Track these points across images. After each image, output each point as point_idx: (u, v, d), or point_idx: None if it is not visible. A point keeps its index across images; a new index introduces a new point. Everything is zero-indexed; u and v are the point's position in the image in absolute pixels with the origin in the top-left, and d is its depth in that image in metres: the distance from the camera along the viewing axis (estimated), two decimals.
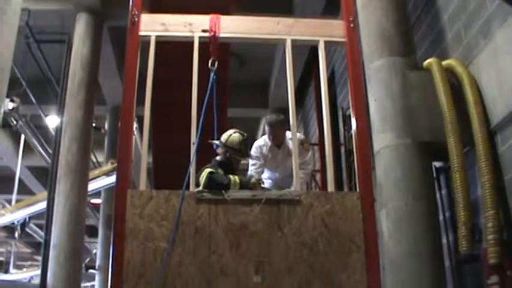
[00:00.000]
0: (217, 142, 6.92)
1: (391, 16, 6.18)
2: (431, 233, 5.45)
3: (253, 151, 7.31)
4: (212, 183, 6.41)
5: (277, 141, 7.23)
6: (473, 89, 5.70)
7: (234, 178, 6.47)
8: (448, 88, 5.86)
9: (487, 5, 5.72)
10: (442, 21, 6.78)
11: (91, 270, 17.19)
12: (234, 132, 6.95)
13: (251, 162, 7.15)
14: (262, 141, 7.39)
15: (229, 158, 6.87)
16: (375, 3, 6.51)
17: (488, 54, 5.63)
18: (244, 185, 6.51)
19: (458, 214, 5.46)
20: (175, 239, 6.16)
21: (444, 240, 6.14)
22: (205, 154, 6.86)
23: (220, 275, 6.12)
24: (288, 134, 7.23)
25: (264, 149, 7.27)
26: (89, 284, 22.75)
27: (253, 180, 6.65)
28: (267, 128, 7.40)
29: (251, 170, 7.04)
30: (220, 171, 6.60)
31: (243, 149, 6.90)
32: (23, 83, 13.45)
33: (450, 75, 6.06)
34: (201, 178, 6.44)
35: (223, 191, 6.38)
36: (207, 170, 6.49)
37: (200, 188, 6.46)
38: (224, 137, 6.93)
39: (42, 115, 15.09)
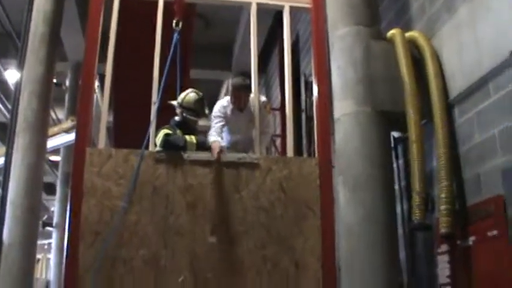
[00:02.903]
0: (175, 102, 6.89)
1: None
2: (387, 200, 5.53)
3: (217, 110, 7.22)
4: (167, 145, 6.40)
5: (240, 104, 7.19)
6: (434, 62, 5.76)
7: (191, 138, 6.46)
8: (409, 60, 5.91)
9: None
10: None
11: (48, 228, 17.10)
12: (190, 92, 6.90)
13: (213, 121, 7.08)
14: (225, 102, 7.29)
15: (185, 118, 6.83)
16: None
17: (451, 28, 5.68)
18: (201, 145, 6.50)
19: (413, 184, 5.55)
20: (132, 197, 6.17)
21: (398, 209, 6.25)
22: (167, 114, 6.85)
23: (176, 235, 6.17)
24: (252, 98, 7.22)
25: (228, 110, 7.21)
26: (46, 241, 22.64)
27: (212, 142, 6.63)
28: (231, 90, 7.35)
29: (211, 130, 6.97)
30: (178, 132, 6.58)
31: (198, 108, 6.85)
32: None
33: (413, 47, 6.11)
34: (157, 139, 6.43)
35: (182, 152, 6.38)
36: (164, 131, 6.47)
37: (157, 148, 6.46)
38: (181, 96, 6.89)
39: (1, 69, 14.81)
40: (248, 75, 7.32)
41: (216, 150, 6.42)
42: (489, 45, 4.98)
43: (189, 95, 6.85)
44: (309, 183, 6.53)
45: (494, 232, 4.75)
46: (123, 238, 6.07)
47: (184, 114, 6.79)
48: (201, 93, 6.90)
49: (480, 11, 5.13)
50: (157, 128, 6.59)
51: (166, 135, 6.44)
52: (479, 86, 5.15)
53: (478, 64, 5.12)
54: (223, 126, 7.09)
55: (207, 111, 7.05)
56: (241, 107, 7.19)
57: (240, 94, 7.15)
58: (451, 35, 5.66)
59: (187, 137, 6.49)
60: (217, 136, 6.85)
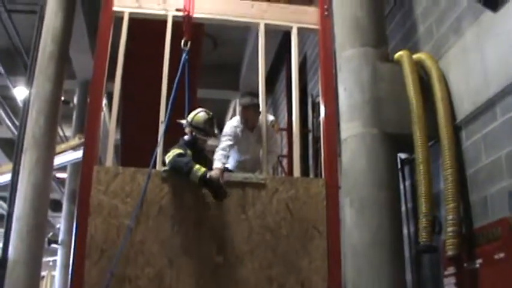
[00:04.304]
0: (184, 121, 6.88)
1: (366, 6, 6.20)
2: (394, 222, 5.52)
3: (227, 129, 7.23)
4: (173, 167, 6.34)
5: (249, 124, 7.20)
6: (441, 84, 5.77)
7: (198, 169, 6.28)
8: (417, 81, 5.92)
9: (459, 2, 5.78)
10: (414, 15, 6.83)
11: (54, 245, 17.07)
12: (200, 112, 6.89)
13: (222, 139, 7.08)
14: (235, 122, 7.29)
15: (195, 137, 6.80)
16: None
17: (458, 51, 5.70)
18: (204, 179, 6.29)
19: (420, 205, 5.53)
20: (138, 216, 6.17)
21: (405, 231, 6.23)
22: (174, 134, 6.86)
23: (183, 254, 6.17)
24: (260, 117, 7.22)
25: (238, 130, 7.22)
26: (51, 258, 22.60)
27: (214, 168, 6.58)
28: (240, 110, 7.35)
29: (218, 149, 6.95)
30: (189, 152, 6.53)
31: (207, 128, 6.79)
32: None
33: (420, 68, 6.12)
34: (166, 157, 6.40)
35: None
36: (175, 152, 6.43)
37: (165, 168, 6.45)
38: (190, 115, 6.87)
39: (10, 86, 14.89)
40: (256, 95, 7.35)
41: (215, 172, 6.40)
42: (496, 68, 4.99)
43: (199, 114, 6.82)
44: (315, 204, 6.53)
45: (501, 255, 4.73)
46: (129, 257, 6.07)
47: (193, 134, 6.76)
48: (211, 113, 6.88)
49: (487, 34, 5.15)
50: (165, 147, 6.59)
51: (178, 155, 6.38)
52: (486, 108, 5.16)
53: (485, 87, 5.13)
54: (231, 146, 7.09)
55: (216, 131, 7.02)
56: (251, 126, 7.20)
57: (249, 113, 7.16)
58: (458, 58, 5.67)
59: (197, 166, 6.30)
60: (222, 160, 6.83)
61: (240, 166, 7.31)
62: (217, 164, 6.68)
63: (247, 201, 6.43)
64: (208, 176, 6.25)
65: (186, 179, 6.28)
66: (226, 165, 7.04)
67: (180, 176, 6.32)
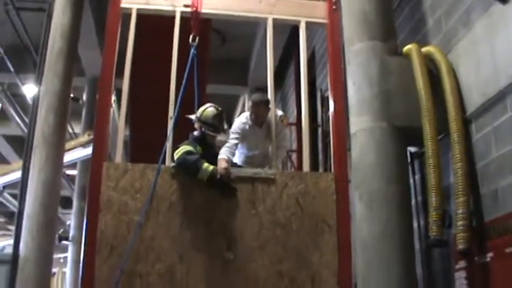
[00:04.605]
0: (193, 117, 6.87)
1: (374, 0, 6.19)
2: (403, 216, 5.50)
3: (236, 127, 7.22)
4: (181, 165, 6.33)
5: (259, 120, 7.19)
6: (451, 77, 5.74)
7: (207, 167, 6.32)
8: (426, 75, 5.90)
9: None
10: (423, 8, 6.80)
11: (64, 242, 17.13)
12: (209, 107, 6.87)
13: (229, 136, 7.06)
14: (244, 119, 7.28)
15: (204, 132, 6.79)
16: None
17: (467, 43, 5.67)
18: (213, 177, 6.33)
19: (430, 199, 5.52)
20: (148, 212, 6.18)
21: (415, 224, 6.21)
22: (183, 129, 6.86)
23: (193, 250, 6.17)
24: (270, 112, 7.20)
25: (247, 126, 7.21)
26: (61, 255, 22.68)
27: (220, 159, 6.60)
28: (250, 106, 7.33)
29: (224, 146, 6.94)
30: (198, 148, 6.52)
31: (216, 123, 6.78)
32: (1, 50, 13.30)
33: (429, 62, 6.09)
34: (175, 153, 6.39)
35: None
36: (185, 148, 6.41)
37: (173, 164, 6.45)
38: (199, 111, 6.85)
39: (20, 84, 14.94)
40: (264, 90, 7.34)
41: (222, 166, 6.42)
42: (506, 61, 4.96)
43: (208, 109, 6.81)
44: (325, 198, 6.52)
45: None
46: (140, 253, 6.08)
47: (203, 129, 6.75)
48: (220, 108, 6.86)
49: (497, 26, 5.12)
50: (174, 143, 6.59)
51: (187, 153, 6.36)
52: (496, 101, 5.13)
53: (495, 79, 5.10)
54: (237, 144, 7.08)
55: (225, 127, 7.01)
56: (260, 122, 7.19)
57: (260, 109, 7.14)
58: (468, 50, 5.64)
59: (206, 164, 6.32)
60: (227, 154, 6.83)
61: (249, 161, 7.30)
62: (222, 157, 6.67)
63: (257, 196, 6.43)
64: (218, 175, 6.29)
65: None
66: (234, 161, 7.02)
67: (188, 174, 6.33)
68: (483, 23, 5.37)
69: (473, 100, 5.49)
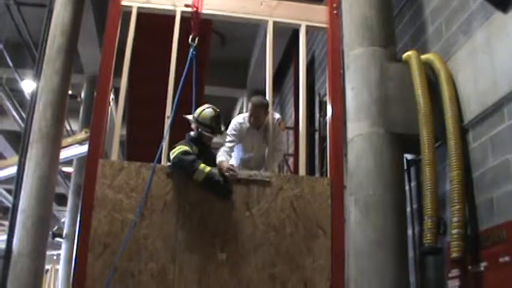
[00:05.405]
0: (190, 117, 6.84)
1: (375, 6, 6.18)
2: (398, 223, 5.50)
3: (232, 128, 7.18)
4: (177, 165, 6.32)
5: (257, 122, 7.16)
6: (450, 85, 5.75)
7: (203, 168, 6.31)
8: (424, 82, 5.90)
9: (469, 3, 5.76)
10: (424, 15, 6.81)
11: (58, 238, 17.10)
12: (207, 108, 6.84)
13: (226, 139, 7.04)
14: (241, 119, 7.25)
15: (200, 133, 6.77)
16: None
17: (467, 52, 5.67)
18: (209, 179, 6.35)
19: (425, 207, 5.51)
20: (143, 211, 6.16)
21: (410, 231, 6.21)
22: (180, 129, 6.84)
23: (186, 250, 6.15)
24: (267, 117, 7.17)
25: (244, 127, 7.18)
26: (55, 252, 22.65)
27: (219, 162, 6.58)
28: (250, 108, 7.31)
29: (221, 149, 6.91)
30: (194, 148, 6.50)
31: (214, 125, 6.75)
32: (0, 45, 13.28)
33: (428, 69, 6.09)
34: (171, 153, 6.37)
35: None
36: (181, 148, 6.39)
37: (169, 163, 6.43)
38: (197, 111, 6.82)
39: (18, 79, 14.92)
40: (263, 93, 7.33)
41: (224, 168, 6.41)
42: (505, 70, 4.96)
43: (206, 110, 6.78)
44: (320, 203, 6.51)
45: (506, 258, 4.71)
46: (132, 251, 6.06)
47: (199, 130, 6.73)
48: (217, 110, 6.83)
49: (497, 36, 5.13)
50: (170, 143, 6.57)
51: (183, 153, 6.35)
52: (494, 110, 5.14)
53: (493, 89, 5.11)
54: (233, 147, 7.05)
55: (222, 128, 6.99)
56: (258, 125, 7.17)
57: (259, 112, 7.12)
58: (467, 59, 5.65)
59: (202, 165, 6.31)
60: (226, 156, 6.80)
61: (244, 164, 7.28)
62: (222, 160, 6.64)
63: (251, 198, 6.42)
64: (220, 177, 6.31)
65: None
66: (231, 162, 7.01)
67: (184, 174, 6.31)
68: (484, 32, 5.38)
69: (471, 109, 5.50)
